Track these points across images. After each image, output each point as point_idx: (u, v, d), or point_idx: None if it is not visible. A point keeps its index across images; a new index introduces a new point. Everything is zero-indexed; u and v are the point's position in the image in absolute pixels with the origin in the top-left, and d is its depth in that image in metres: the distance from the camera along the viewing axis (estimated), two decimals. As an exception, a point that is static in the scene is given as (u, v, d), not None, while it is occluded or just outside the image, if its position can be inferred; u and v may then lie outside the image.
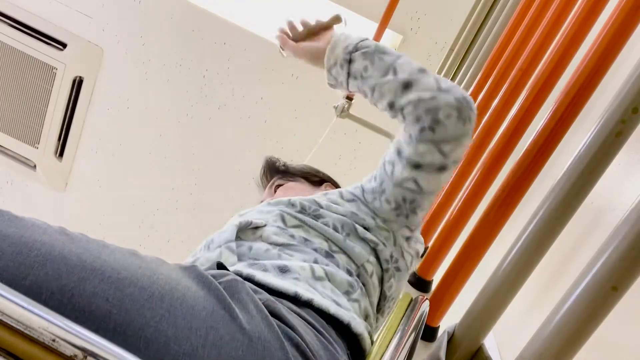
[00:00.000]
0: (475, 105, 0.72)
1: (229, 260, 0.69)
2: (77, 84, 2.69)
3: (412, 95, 0.72)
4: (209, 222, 2.94)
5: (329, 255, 0.74)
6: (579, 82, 0.67)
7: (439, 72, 1.87)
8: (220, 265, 0.65)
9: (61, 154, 2.89)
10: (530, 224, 0.61)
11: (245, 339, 0.47)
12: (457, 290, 0.82)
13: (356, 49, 0.78)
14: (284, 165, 1.19)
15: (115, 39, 2.58)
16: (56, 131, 2.81)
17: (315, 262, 0.72)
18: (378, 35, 1.79)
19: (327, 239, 0.76)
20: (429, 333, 0.86)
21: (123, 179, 2.88)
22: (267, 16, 2.50)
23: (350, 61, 0.78)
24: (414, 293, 0.99)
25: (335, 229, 0.77)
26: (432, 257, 0.99)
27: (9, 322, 0.31)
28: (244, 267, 0.67)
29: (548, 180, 0.69)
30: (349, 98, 1.80)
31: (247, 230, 0.76)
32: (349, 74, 0.79)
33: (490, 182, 0.89)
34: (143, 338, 0.42)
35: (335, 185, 1.16)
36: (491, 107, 1.01)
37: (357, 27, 2.43)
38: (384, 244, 0.79)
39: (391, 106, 0.75)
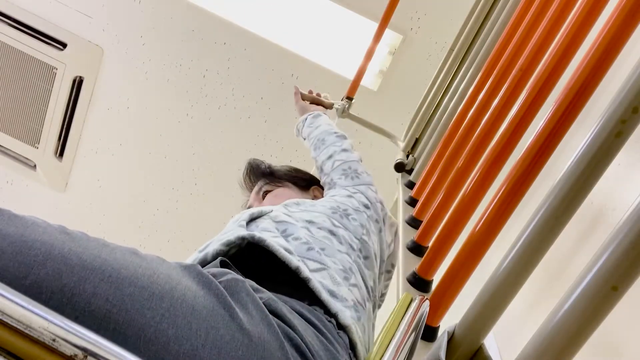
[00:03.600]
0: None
1: (239, 231, 0.74)
2: (77, 84, 2.69)
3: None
4: (209, 222, 2.94)
5: (331, 233, 0.80)
6: (579, 82, 0.67)
7: (439, 72, 1.86)
8: (223, 264, 0.66)
9: (61, 154, 2.89)
10: (530, 224, 0.61)
11: (244, 338, 0.47)
12: (457, 290, 0.82)
13: (305, 119, 1.33)
14: (268, 168, 1.21)
15: (115, 39, 2.58)
16: (56, 131, 2.81)
17: (311, 249, 0.75)
18: (378, 35, 1.79)
19: (329, 217, 0.85)
20: (429, 333, 0.86)
21: (123, 179, 2.88)
22: (267, 16, 2.50)
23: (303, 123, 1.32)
24: (414, 293, 0.98)
25: (332, 209, 0.89)
26: (432, 257, 0.99)
27: (9, 322, 0.31)
28: (254, 233, 0.72)
29: (548, 180, 0.69)
30: (349, 98, 1.80)
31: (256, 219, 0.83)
32: (299, 130, 1.35)
33: (490, 182, 0.88)
34: (143, 338, 0.42)
35: (322, 187, 1.17)
36: (491, 107, 1.01)
37: (357, 27, 2.43)
38: (367, 208, 0.95)
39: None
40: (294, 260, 0.68)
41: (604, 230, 0.88)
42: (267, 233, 0.74)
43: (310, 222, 0.81)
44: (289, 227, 0.78)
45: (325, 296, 0.66)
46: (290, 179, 1.17)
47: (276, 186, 1.15)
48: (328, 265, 0.73)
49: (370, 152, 2.55)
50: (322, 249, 0.75)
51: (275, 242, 0.71)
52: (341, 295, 0.69)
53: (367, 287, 0.78)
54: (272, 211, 0.83)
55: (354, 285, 0.74)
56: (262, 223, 0.78)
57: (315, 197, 1.14)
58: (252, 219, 0.80)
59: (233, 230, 0.75)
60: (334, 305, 0.66)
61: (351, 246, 0.79)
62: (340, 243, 0.78)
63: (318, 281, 0.69)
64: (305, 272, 0.68)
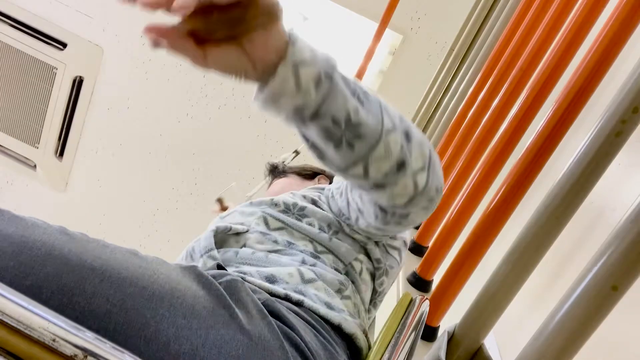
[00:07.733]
0: None
1: (207, 265, 0.69)
2: (77, 84, 2.69)
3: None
4: (209, 222, 2.94)
5: (315, 256, 0.75)
6: (579, 82, 0.67)
7: (439, 72, 1.86)
8: (220, 266, 0.66)
9: (61, 154, 2.89)
10: (530, 224, 0.61)
11: (245, 338, 0.47)
12: (457, 290, 0.82)
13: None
14: (280, 165, 1.24)
15: (115, 39, 2.58)
16: (56, 131, 2.81)
17: (303, 262, 0.72)
18: (378, 35, 1.79)
19: (312, 240, 0.77)
20: (429, 333, 0.86)
21: (123, 179, 2.88)
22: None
23: None
24: (414, 293, 0.98)
25: (321, 228, 0.78)
26: (432, 257, 0.99)
27: (9, 322, 0.31)
28: (232, 272, 0.67)
29: (548, 180, 0.69)
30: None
31: (229, 238, 0.76)
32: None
33: (490, 182, 0.88)
34: (143, 338, 0.42)
35: (329, 177, 1.16)
36: (491, 107, 1.01)
37: (357, 27, 2.43)
38: (375, 243, 0.81)
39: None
40: (281, 290, 0.64)
41: (604, 230, 0.88)
42: (246, 267, 0.69)
43: (291, 244, 0.75)
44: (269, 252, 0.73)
45: (323, 311, 0.64)
46: (295, 172, 1.18)
47: (279, 177, 1.18)
48: (319, 278, 0.70)
49: (370, 152, 2.54)
50: (313, 265, 0.73)
51: (256, 274, 0.67)
52: (337, 307, 0.68)
53: (361, 299, 0.77)
54: (247, 231, 0.76)
55: (347, 297, 0.73)
56: (240, 250, 0.73)
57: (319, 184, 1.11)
58: (221, 236, 0.75)
59: (205, 263, 0.70)
60: (335, 316, 0.65)
61: (336, 269, 0.75)
62: (325, 264, 0.74)
63: (313, 294, 0.67)
64: (295, 296, 0.64)
